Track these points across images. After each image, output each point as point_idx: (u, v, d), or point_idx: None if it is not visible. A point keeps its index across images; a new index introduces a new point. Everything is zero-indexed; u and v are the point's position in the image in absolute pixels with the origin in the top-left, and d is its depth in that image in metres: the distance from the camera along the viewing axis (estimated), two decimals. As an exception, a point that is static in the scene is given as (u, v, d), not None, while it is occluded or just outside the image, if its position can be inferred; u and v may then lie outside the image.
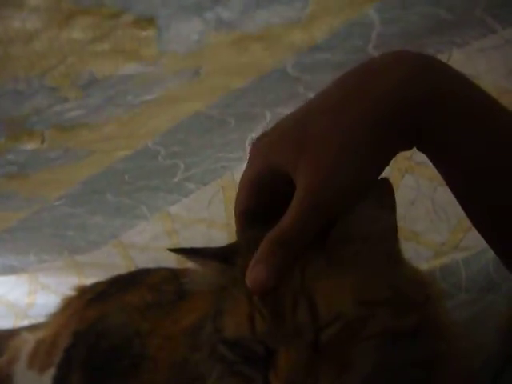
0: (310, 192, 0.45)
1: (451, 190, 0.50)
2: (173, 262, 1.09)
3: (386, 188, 0.48)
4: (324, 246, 0.47)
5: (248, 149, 0.52)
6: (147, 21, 0.74)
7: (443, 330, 0.50)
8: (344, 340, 0.45)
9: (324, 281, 0.46)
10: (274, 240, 0.46)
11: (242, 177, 0.51)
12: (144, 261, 1.21)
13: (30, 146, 0.94)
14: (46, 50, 0.74)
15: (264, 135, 0.51)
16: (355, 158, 0.46)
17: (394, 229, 0.50)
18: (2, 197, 1.12)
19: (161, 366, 0.69)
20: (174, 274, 0.84)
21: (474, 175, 0.48)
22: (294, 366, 0.45)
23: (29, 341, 0.88)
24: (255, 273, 0.46)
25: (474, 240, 0.80)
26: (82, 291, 0.90)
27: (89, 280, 0.97)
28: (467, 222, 0.83)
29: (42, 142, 0.94)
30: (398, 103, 0.46)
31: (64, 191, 1.16)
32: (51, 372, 0.80)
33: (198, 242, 1.15)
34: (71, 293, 0.91)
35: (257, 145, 0.51)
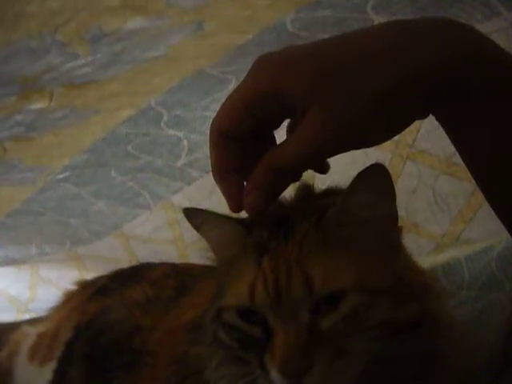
0: (323, 131, 0.44)
1: (466, 162, 0.49)
2: (174, 254, 1.09)
3: (382, 172, 0.47)
4: (319, 226, 0.48)
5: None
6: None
7: (444, 326, 0.50)
8: (343, 327, 0.45)
9: (320, 258, 0.46)
10: (273, 166, 0.46)
11: (235, 93, 0.47)
12: (145, 253, 1.21)
13: (39, 104, 0.95)
14: (60, 7, 0.75)
15: (278, 53, 0.46)
16: (382, 112, 0.44)
17: (393, 216, 0.50)
18: (8, 164, 1.12)
19: (161, 361, 0.69)
20: (174, 270, 0.84)
21: (496, 148, 0.46)
22: (289, 348, 0.45)
23: (30, 334, 0.88)
24: (251, 197, 0.47)
25: (475, 232, 0.79)
26: (83, 285, 0.90)
27: (90, 274, 0.97)
28: (468, 213, 0.83)
29: (50, 100, 0.94)
30: (444, 66, 0.44)
31: (68, 160, 1.16)
32: (52, 365, 0.81)
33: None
34: (72, 287, 0.91)
35: (265, 62, 0.46)
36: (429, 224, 0.89)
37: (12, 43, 0.79)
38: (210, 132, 0.48)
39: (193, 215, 0.52)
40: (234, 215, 0.51)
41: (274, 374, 0.45)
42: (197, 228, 0.53)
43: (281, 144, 0.47)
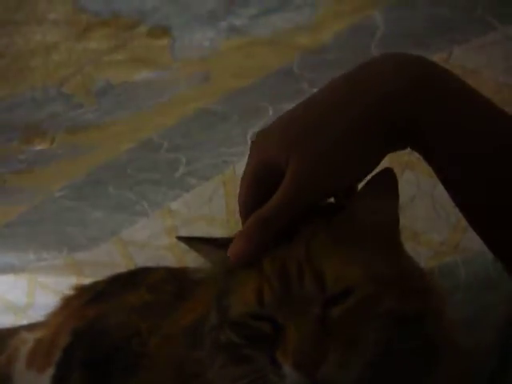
0: (296, 178, 0.48)
1: (446, 188, 0.51)
2: (172, 260, 1.09)
3: (390, 178, 0.50)
4: (329, 227, 0.49)
5: (249, 143, 0.54)
6: (162, 31, 0.76)
7: (444, 324, 0.51)
8: (353, 317, 0.46)
9: (330, 254, 0.48)
10: (259, 218, 0.49)
11: (244, 171, 0.53)
12: (143, 259, 1.21)
13: (41, 146, 0.96)
14: (65, 60, 0.76)
15: (263, 131, 0.53)
16: (344, 152, 0.48)
17: (396, 218, 0.52)
18: (6, 192, 1.12)
19: (160, 365, 0.69)
20: (172, 274, 0.84)
21: (468, 173, 0.48)
22: (302, 341, 0.45)
23: (28, 340, 0.88)
24: (236, 246, 0.49)
25: (474, 240, 0.80)
26: (81, 290, 0.90)
27: (88, 279, 0.97)
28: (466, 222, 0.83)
29: (52, 143, 0.95)
30: (391, 101, 0.47)
31: (67, 182, 1.16)
32: (50, 371, 0.80)
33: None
34: (70, 292, 0.91)
35: (255, 140, 0.53)
36: (428, 232, 0.89)
37: (17, 95, 0.80)
38: (238, 206, 0.54)
39: (188, 243, 0.55)
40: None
41: (287, 369, 0.45)
42: (197, 252, 0.55)
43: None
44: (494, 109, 0.48)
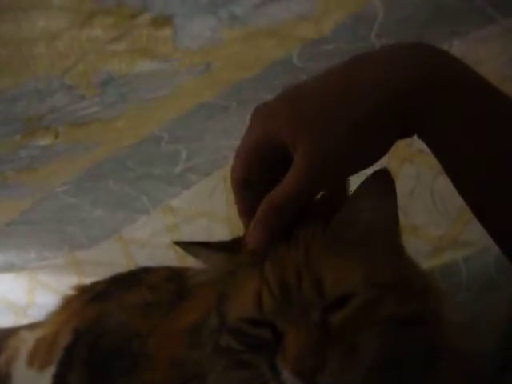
0: (310, 162, 0.47)
1: (450, 177, 0.50)
2: (173, 259, 1.09)
3: (386, 177, 0.49)
4: (327, 228, 0.49)
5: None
6: (164, 20, 0.75)
7: (444, 325, 0.50)
8: (353, 323, 0.46)
9: (329, 258, 0.47)
10: (273, 205, 0.48)
11: (241, 144, 0.51)
12: (144, 258, 1.21)
13: (44, 141, 0.95)
14: (67, 49, 0.75)
15: (266, 104, 0.51)
16: (358, 135, 0.47)
17: (394, 218, 0.51)
18: (8, 188, 1.12)
19: (161, 365, 0.69)
20: (174, 273, 0.84)
21: (473, 159, 0.47)
22: (302, 346, 0.45)
23: (28, 339, 0.88)
24: (255, 234, 0.48)
25: (474, 234, 0.79)
26: (82, 290, 0.90)
27: (88, 279, 0.97)
28: (466, 215, 0.83)
29: (56, 137, 0.95)
30: (402, 97, 0.46)
31: (68, 178, 1.16)
32: (51, 370, 0.80)
33: (199, 237, 1.14)
34: (71, 292, 0.91)
35: (258, 112, 0.51)
36: (427, 226, 0.89)
37: (20, 86, 0.79)
38: (231, 180, 0.52)
39: (186, 248, 0.54)
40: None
41: (287, 375, 0.45)
42: (195, 257, 0.54)
43: (281, 183, 0.49)
44: (503, 95, 0.48)
